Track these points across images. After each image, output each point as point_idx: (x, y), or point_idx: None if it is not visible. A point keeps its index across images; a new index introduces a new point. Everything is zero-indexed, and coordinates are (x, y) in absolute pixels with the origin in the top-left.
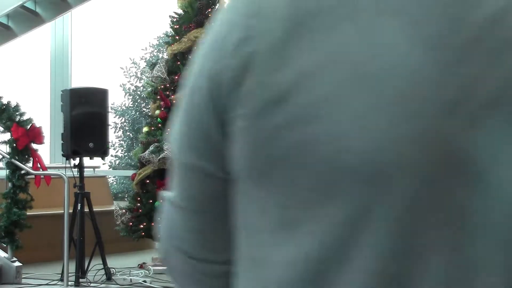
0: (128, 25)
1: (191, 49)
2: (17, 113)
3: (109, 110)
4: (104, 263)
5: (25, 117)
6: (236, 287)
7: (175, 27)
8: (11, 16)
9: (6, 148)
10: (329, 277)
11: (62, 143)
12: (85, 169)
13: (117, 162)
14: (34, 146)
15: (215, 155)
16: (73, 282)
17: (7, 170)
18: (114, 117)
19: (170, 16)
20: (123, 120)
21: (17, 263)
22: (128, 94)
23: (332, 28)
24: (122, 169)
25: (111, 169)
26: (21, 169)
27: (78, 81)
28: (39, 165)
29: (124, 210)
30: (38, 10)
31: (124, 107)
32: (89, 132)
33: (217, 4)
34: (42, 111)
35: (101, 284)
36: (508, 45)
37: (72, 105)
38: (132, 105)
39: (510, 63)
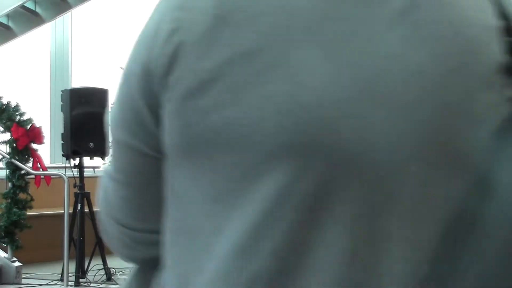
0: (128, 25)
1: None
2: (17, 113)
3: (109, 110)
4: (104, 263)
5: (25, 117)
6: (166, 255)
7: None
8: (11, 16)
9: (6, 148)
10: (255, 247)
11: (62, 143)
12: (85, 169)
13: None
14: (34, 146)
15: (146, 135)
16: (73, 282)
17: (7, 170)
18: None
19: None
20: None
21: (17, 263)
22: None
23: (251, 21)
24: None
25: None
26: (21, 169)
27: (78, 81)
28: (39, 165)
29: None
30: (38, 10)
31: None
32: (89, 132)
33: None
34: (42, 111)
35: (101, 284)
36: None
37: (72, 105)
38: None
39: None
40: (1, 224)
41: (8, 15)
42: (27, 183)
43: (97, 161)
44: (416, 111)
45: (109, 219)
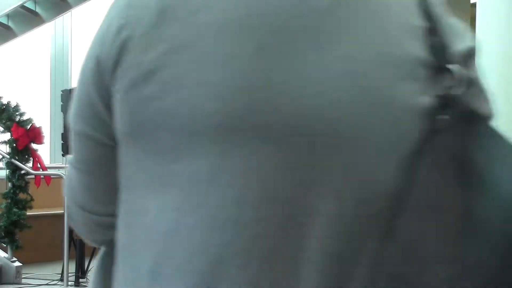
0: None
1: None
2: (17, 113)
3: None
4: None
5: (25, 117)
6: (118, 236)
7: None
8: (11, 16)
9: (6, 148)
10: (189, 221)
11: (62, 143)
12: None
13: None
14: (34, 146)
15: (102, 125)
16: (73, 282)
17: (7, 170)
18: None
19: None
20: None
21: (17, 263)
22: None
23: (189, 16)
24: None
25: None
26: (21, 169)
27: None
28: (39, 165)
29: None
30: (38, 10)
31: None
32: None
33: None
34: (42, 111)
35: None
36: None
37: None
38: None
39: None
40: (1, 224)
41: (8, 15)
42: (27, 183)
43: None
44: (344, 92)
45: (74, 205)
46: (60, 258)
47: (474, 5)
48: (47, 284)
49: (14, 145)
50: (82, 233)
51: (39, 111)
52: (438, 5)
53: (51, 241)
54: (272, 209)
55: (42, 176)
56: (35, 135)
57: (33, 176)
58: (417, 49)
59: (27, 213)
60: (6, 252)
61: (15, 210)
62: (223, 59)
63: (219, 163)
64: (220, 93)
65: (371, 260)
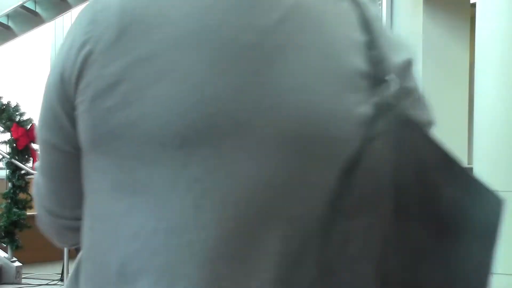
0: None
1: None
2: (17, 113)
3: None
4: None
5: (25, 117)
6: (83, 239)
7: None
8: (11, 16)
9: (6, 148)
10: (151, 225)
11: None
12: None
13: None
14: (34, 146)
15: (65, 135)
16: None
17: (7, 170)
18: None
19: None
20: None
21: (17, 263)
22: None
23: (148, 32)
24: None
25: None
26: (21, 169)
27: None
28: None
29: None
30: (38, 10)
31: None
32: None
33: None
34: None
35: None
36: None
37: None
38: None
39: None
40: (1, 224)
41: (8, 15)
42: (27, 183)
43: None
44: (289, 103)
45: (42, 209)
46: (60, 258)
47: (474, 5)
48: (47, 284)
49: (14, 145)
50: (52, 236)
51: (39, 111)
52: (376, 20)
53: (51, 241)
54: (227, 211)
55: None
56: (35, 135)
57: (33, 176)
58: (358, 62)
59: (27, 213)
60: (6, 252)
61: (15, 210)
62: (180, 73)
63: (178, 170)
64: (178, 105)
65: (313, 259)
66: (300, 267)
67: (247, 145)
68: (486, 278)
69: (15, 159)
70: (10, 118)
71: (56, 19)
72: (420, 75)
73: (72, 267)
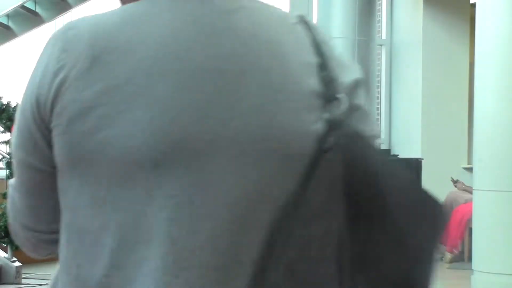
0: None
1: None
2: None
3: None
4: None
5: None
6: (61, 252)
7: None
8: (11, 16)
9: (6, 148)
10: (132, 238)
11: None
12: None
13: None
14: None
15: (40, 154)
16: None
17: (7, 170)
18: None
19: None
20: None
21: (17, 263)
22: None
23: (120, 59)
24: None
25: None
26: None
27: None
28: None
29: None
30: (38, 10)
31: None
32: None
33: None
34: None
35: None
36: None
37: None
38: None
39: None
40: (1, 224)
41: (8, 15)
42: None
43: None
44: (249, 124)
45: (17, 224)
46: None
47: (474, 5)
48: (47, 284)
49: None
50: (27, 249)
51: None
52: (326, 43)
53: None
54: (200, 224)
55: None
56: None
57: None
58: (313, 82)
59: None
60: (6, 252)
61: None
62: (152, 98)
63: (153, 189)
64: (151, 128)
65: (278, 262)
66: (269, 271)
67: (216, 162)
68: (432, 263)
69: None
70: (10, 118)
71: (56, 19)
72: (420, 75)
73: None
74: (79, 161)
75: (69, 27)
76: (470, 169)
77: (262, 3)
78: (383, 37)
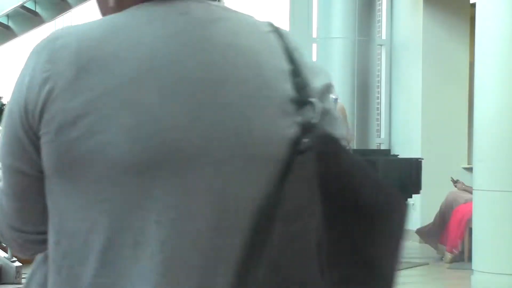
0: None
1: None
2: None
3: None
4: None
5: None
6: (50, 253)
7: None
8: (11, 16)
9: None
10: (119, 240)
11: None
12: None
13: None
14: None
15: (29, 160)
16: None
17: None
18: None
19: None
20: None
21: (17, 263)
22: None
23: (106, 69)
24: None
25: None
26: None
27: None
28: None
29: None
30: (38, 10)
31: None
32: None
33: None
34: None
35: None
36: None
37: None
38: None
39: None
40: None
41: (8, 15)
42: None
43: None
44: (228, 129)
45: (6, 225)
46: None
47: (474, 5)
48: None
49: None
50: (14, 249)
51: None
52: (297, 50)
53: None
54: (184, 226)
55: None
56: None
57: None
58: (287, 88)
59: None
60: (6, 252)
61: None
62: (139, 106)
63: (141, 193)
64: (138, 135)
65: (263, 260)
66: (252, 269)
67: (199, 167)
68: (397, 258)
69: None
70: None
71: (56, 19)
72: (420, 75)
73: None
74: (67, 167)
75: (55, 37)
76: (470, 169)
77: (236, 12)
78: (383, 37)
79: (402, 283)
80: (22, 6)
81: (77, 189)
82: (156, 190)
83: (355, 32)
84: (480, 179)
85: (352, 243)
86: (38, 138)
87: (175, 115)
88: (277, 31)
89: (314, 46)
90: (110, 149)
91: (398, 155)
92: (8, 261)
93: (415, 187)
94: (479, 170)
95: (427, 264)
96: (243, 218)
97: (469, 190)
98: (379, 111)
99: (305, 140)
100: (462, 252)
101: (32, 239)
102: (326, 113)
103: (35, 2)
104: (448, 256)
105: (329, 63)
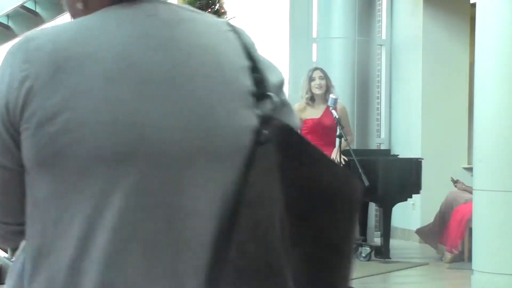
0: None
1: None
2: None
3: None
4: None
5: None
6: (28, 241)
7: None
8: (11, 16)
9: None
10: (96, 227)
11: None
12: None
13: None
14: None
15: (9, 154)
16: None
17: None
18: None
19: None
20: None
21: None
22: None
23: (80, 71)
24: None
25: None
26: None
27: None
28: None
29: None
30: (38, 10)
31: None
32: None
33: (217, 4)
34: None
35: None
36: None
37: None
38: None
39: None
40: None
41: (8, 15)
42: None
43: None
44: (194, 122)
45: None
46: None
47: (474, 5)
48: None
49: None
50: None
51: None
52: (253, 47)
53: None
54: (151, 212)
55: None
56: None
57: None
58: (247, 83)
59: None
60: (6, 252)
61: None
62: (111, 102)
63: (117, 180)
64: (114, 129)
65: (231, 242)
66: (222, 251)
67: (169, 157)
68: (354, 236)
69: None
70: None
71: (56, 19)
72: (420, 75)
73: None
74: (48, 160)
75: (28, 39)
76: (470, 169)
77: (199, 13)
78: (383, 37)
79: (402, 283)
80: (22, 6)
81: (56, 181)
82: (128, 179)
83: (355, 32)
84: (480, 179)
85: (313, 225)
86: (18, 133)
87: (148, 110)
88: (234, 30)
89: (314, 46)
90: (85, 144)
91: (398, 155)
92: (8, 261)
93: (415, 187)
94: (479, 170)
95: (427, 264)
96: (212, 204)
97: (469, 190)
98: (379, 111)
99: (265, 131)
100: (462, 252)
101: (12, 230)
102: (283, 105)
103: (35, 2)
104: (448, 256)
105: (329, 63)
